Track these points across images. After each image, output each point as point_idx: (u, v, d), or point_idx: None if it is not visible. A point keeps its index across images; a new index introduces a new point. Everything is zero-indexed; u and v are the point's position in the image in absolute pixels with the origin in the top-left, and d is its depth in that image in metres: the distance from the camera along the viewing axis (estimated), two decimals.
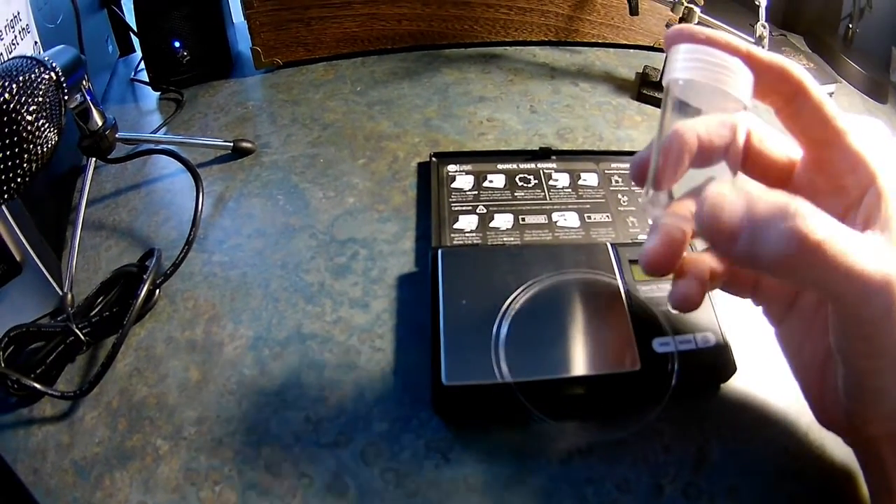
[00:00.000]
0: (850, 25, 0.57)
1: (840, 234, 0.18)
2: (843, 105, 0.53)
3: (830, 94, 0.54)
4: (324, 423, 0.30)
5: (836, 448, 0.28)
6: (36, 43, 0.45)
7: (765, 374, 0.31)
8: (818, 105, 0.22)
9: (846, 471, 0.27)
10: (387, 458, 0.28)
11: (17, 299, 0.36)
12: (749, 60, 0.22)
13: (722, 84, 0.21)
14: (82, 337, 0.34)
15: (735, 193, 0.19)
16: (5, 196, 0.31)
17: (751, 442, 0.29)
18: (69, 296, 0.37)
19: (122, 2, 0.59)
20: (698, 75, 0.21)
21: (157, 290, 0.36)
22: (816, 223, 0.18)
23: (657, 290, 0.32)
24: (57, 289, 0.37)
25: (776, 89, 0.23)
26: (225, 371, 0.32)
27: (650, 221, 0.29)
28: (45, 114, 0.33)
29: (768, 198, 0.19)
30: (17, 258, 0.35)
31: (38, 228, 0.37)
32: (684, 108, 0.22)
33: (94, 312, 0.36)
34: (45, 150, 0.33)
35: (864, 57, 0.56)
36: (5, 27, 0.41)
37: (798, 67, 0.23)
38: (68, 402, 0.31)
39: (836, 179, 0.23)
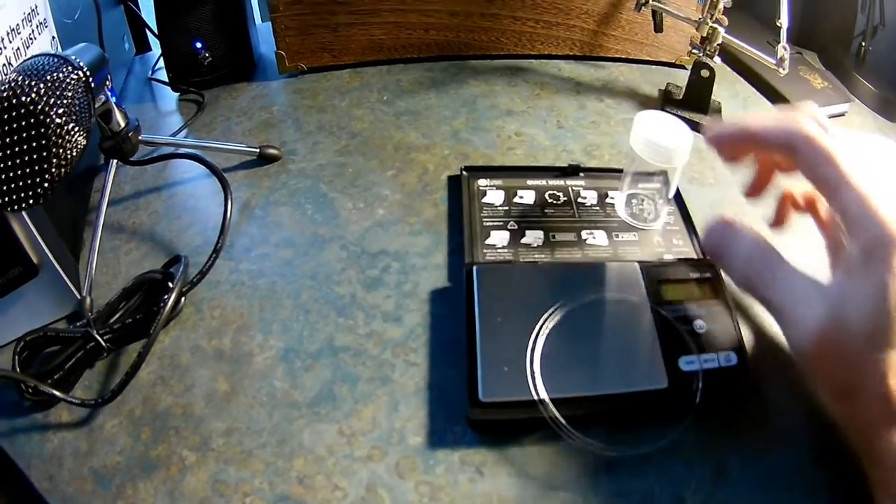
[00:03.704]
0: (864, 43, 0.57)
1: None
2: (855, 124, 0.54)
3: (843, 114, 0.55)
4: (357, 436, 0.30)
5: (853, 466, 0.28)
6: (54, 38, 0.44)
7: (784, 393, 0.31)
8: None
9: (862, 488, 0.27)
10: (421, 472, 0.28)
11: (33, 302, 0.35)
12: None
13: (658, 162, 0.37)
14: (103, 343, 0.33)
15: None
16: (31, 202, 0.31)
17: (769, 457, 0.29)
18: (88, 300, 0.37)
19: None
20: (645, 155, 0.37)
21: (183, 298, 0.36)
22: None
23: (683, 311, 0.33)
24: (75, 292, 0.36)
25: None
26: (255, 382, 0.32)
27: None
28: (74, 116, 0.32)
29: None
30: (34, 260, 0.34)
31: (55, 229, 0.36)
32: (640, 162, 0.38)
33: (115, 319, 0.35)
34: (73, 154, 0.32)
35: (877, 75, 0.57)
36: (23, 20, 0.40)
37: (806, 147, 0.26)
38: (86, 409, 0.31)
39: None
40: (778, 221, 0.34)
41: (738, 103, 0.55)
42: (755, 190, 0.33)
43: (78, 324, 0.35)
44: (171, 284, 0.34)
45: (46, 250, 0.34)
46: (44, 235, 0.34)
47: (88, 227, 0.41)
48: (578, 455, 0.29)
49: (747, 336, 0.33)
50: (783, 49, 0.47)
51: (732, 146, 0.31)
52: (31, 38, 0.41)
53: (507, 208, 0.40)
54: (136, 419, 0.31)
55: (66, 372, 0.33)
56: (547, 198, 0.41)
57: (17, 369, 0.32)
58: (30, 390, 0.31)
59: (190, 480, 0.28)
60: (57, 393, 0.31)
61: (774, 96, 0.55)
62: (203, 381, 0.32)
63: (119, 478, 0.28)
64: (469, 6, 0.52)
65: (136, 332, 0.34)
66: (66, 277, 0.36)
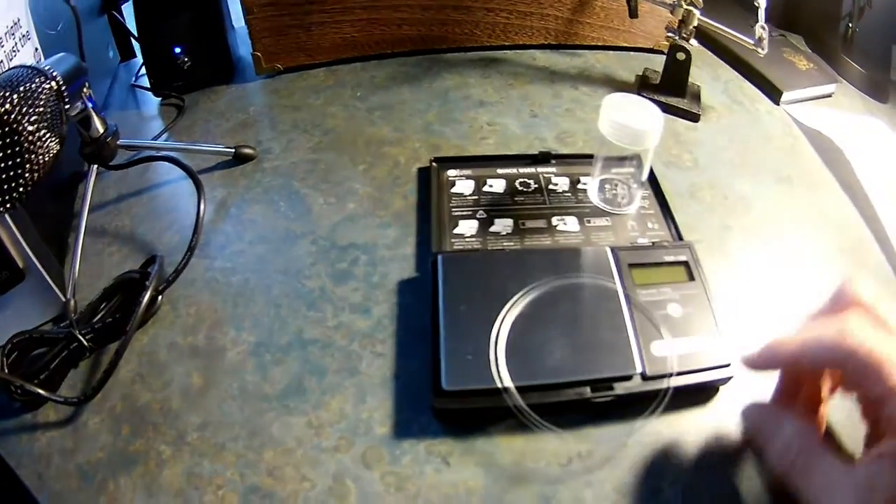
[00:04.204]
0: (850, 24, 0.57)
1: None
2: (843, 105, 0.53)
3: (830, 95, 0.54)
4: (325, 427, 0.30)
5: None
6: (37, 49, 0.46)
7: (763, 378, 0.31)
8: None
9: None
10: (388, 462, 0.29)
11: (21, 306, 0.36)
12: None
13: (627, 144, 0.36)
14: (85, 343, 0.34)
15: None
16: (7, 205, 0.31)
17: (751, 444, 0.29)
18: (72, 302, 0.38)
19: (122, 7, 0.59)
20: (614, 138, 0.36)
21: (160, 297, 0.36)
22: None
23: (656, 295, 0.33)
24: (60, 295, 0.37)
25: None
26: (227, 377, 0.33)
27: None
28: (46, 124, 0.33)
29: None
30: (20, 265, 0.35)
31: (41, 234, 0.37)
32: (610, 146, 0.37)
33: (96, 318, 0.36)
34: (46, 159, 0.33)
35: (865, 56, 0.56)
36: (6, 34, 0.41)
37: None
38: (72, 408, 0.32)
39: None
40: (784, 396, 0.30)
41: (719, 86, 0.54)
42: (786, 398, 0.29)
43: (62, 325, 0.36)
44: (146, 284, 0.35)
45: (32, 255, 0.35)
46: (29, 241, 0.35)
47: (73, 232, 0.42)
48: (547, 444, 0.29)
49: (725, 318, 0.33)
50: (761, 29, 0.47)
51: (771, 369, 0.29)
52: (14, 51, 0.42)
53: (476, 198, 0.40)
54: (116, 416, 0.32)
55: (51, 372, 0.33)
56: (517, 186, 0.41)
57: (6, 370, 0.33)
58: (18, 391, 0.33)
59: (166, 474, 0.29)
60: (42, 392, 0.32)
61: (758, 79, 0.55)
62: (179, 377, 0.33)
63: (101, 473, 0.29)
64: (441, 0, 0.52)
65: (116, 332, 0.35)
66: (51, 281, 0.37)
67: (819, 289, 0.37)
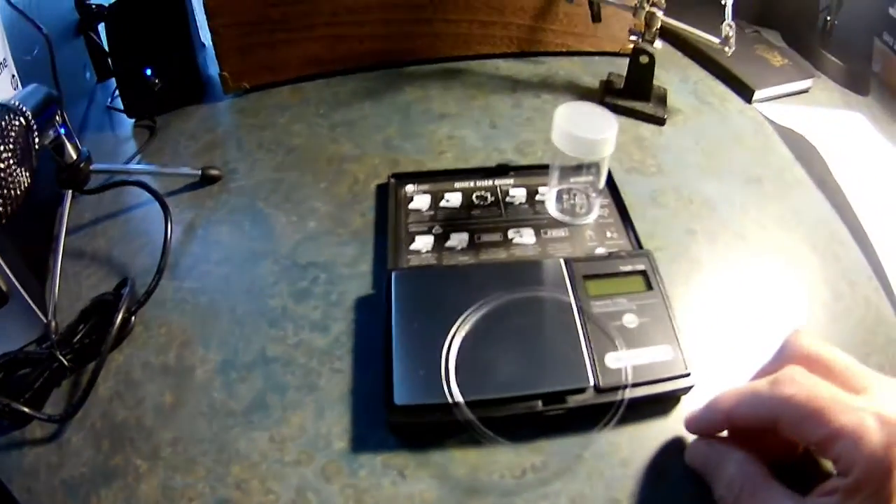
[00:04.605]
0: (829, 17, 0.56)
1: None
2: (820, 101, 0.53)
3: (807, 90, 0.54)
4: (287, 442, 0.32)
5: None
6: (14, 76, 0.47)
7: (724, 387, 0.30)
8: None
9: None
10: (346, 475, 0.30)
11: (4, 327, 0.38)
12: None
13: (582, 154, 0.37)
14: (65, 363, 0.36)
15: None
16: None
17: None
18: (53, 323, 0.39)
19: (98, 28, 0.60)
20: (567, 150, 0.37)
21: (133, 318, 0.38)
22: None
23: (611, 306, 0.33)
24: (41, 316, 0.39)
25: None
26: (196, 394, 0.34)
27: None
28: (16, 159, 0.34)
29: None
30: (3, 288, 0.37)
31: (21, 257, 0.39)
32: (564, 156, 0.38)
33: (76, 339, 0.38)
34: (18, 192, 0.35)
35: (844, 49, 0.56)
36: None
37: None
38: (55, 425, 0.34)
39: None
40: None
41: (688, 87, 0.55)
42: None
43: (44, 346, 0.38)
44: (119, 306, 0.37)
45: (13, 279, 0.37)
46: (10, 265, 0.37)
47: (52, 254, 0.44)
48: (501, 456, 0.30)
49: (687, 327, 0.33)
50: (728, 27, 0.46)
51: (717, 433, 0.29)
52: None
53: (433, 213, 0.41)
54: (97, 432, 0.33)
55: (35, 391, 0.36)
56: (474, 199, 0.42)
57: None
58: (6, 409, 0.35)
59: (143, 488, 0.31)
60: (28, 410, 0.34)
61: (729, 78, 0.55)
62: (152, 395, 0.35)
63: (85, 488, 0.31)
64: (401, 13, 0.53)
65: (94, 352, 0.37)
66: (32, 304, 0.39)
67: (787, 288, 0.38)
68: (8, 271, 0.37)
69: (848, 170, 0.46)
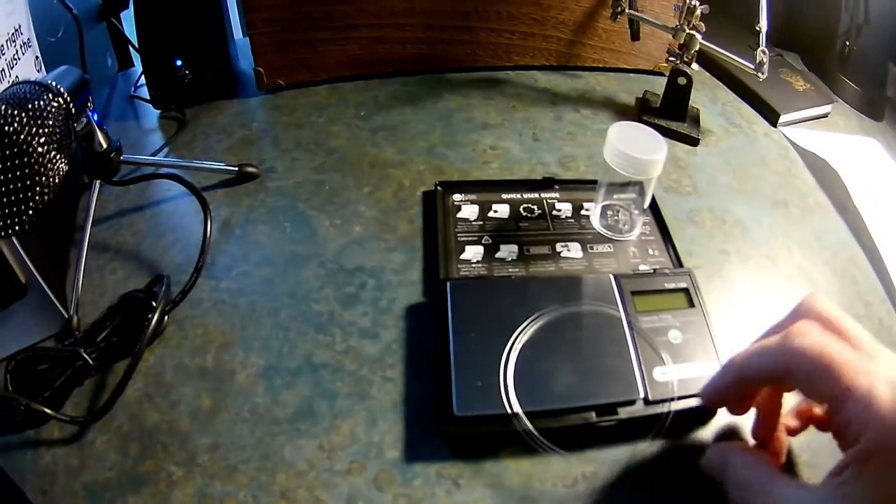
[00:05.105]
0: (847, 42, 0.57)
1: None
2: (839, 125, 0.54)
3: (826, 115, 0.55)
4: (337, 450, 0.31)
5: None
6: (37, 58, 0.45)
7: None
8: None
9: None
10: (399, 484, 0.30)
11: (22, 321, 0.36)
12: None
13: (632, 174, 0.38)
14: (90, 361, 0.34)
15: None
16: (17, 228, 0.31)
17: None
18: (76, 319, 0.38)
19: (121, 14, 0.58)
20: (619, 168, 0.38)
21: (167, 317, 0.37)
22: None
23: (657, 321, 0.34)
24: (62, 311, 0.37)
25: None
26: (237, 399, 0.33)
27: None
28: (55, 144, 0.33)
29: None
30: (22, 280, 0.35)
31: (42, 248, 0.37)
32: (614, 174, 0.39)
33: (101, 337, 0.36)
34: (55, 180, 0.33)
35: (861, 74, 0.57)
36: (7, 41, 0.40)
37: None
38: (76, 426, 0.32)
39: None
40: (763, 438, 0.30)
41: (717, 108, 0.56)
42: (765, 434, 0.30)
43: (66, 343, 0.36)
44: (154, 304, 0.36)
45: (34, 270, 0.35)
46: (31, 256, 0.35)
47: (74, 247, 0.41)
48: (553, 466, 0.30)
49: (723, 344, 0.33)
50: (762, 53, 0.47)
51: (732, 397, 0.29)
52: (15, 59, 0.41)
53: (481, 223, 0.41)
54: (124, 435, 0.32)
55: (55, 390, 0.34)
56: (521, 211, 0.42)
57: (10, 388, 0.33)
58: (22, 408, 0.33)
59: (178, 495, 0.29)
60: (48, 410, 0.32)
61: (755, 101, 0.56)
62: (188, 398, 0.33)
63: (110, 493, 0.30)
64: (445, 20, 0.53)
65: (121, 351, 0.35)
66: (53, 297, 0.37)
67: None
68: (29, 262, 0.35)
69: (865, 194, 0.47)
